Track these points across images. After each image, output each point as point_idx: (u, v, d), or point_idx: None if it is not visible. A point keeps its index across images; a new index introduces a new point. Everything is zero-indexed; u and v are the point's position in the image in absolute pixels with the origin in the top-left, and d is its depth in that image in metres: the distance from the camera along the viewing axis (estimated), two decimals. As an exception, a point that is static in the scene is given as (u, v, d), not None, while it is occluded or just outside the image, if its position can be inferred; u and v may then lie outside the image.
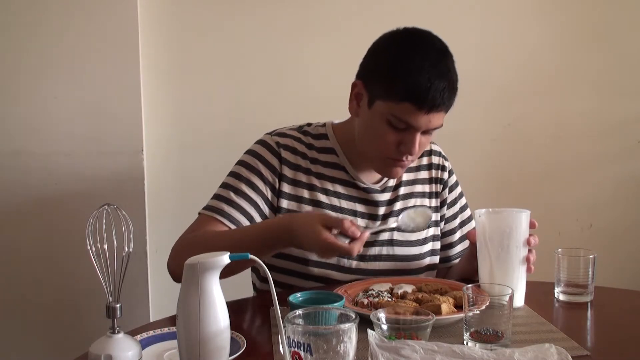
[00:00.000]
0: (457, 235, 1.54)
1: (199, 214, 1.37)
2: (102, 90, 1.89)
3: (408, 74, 1.24)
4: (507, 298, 1.00)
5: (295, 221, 1.21)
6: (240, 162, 1.41)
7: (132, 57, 1.89)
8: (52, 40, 1.87)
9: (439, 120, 1.29)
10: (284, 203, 1.38)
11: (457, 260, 1.54)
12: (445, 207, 1.52)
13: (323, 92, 2.04)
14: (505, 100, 2.23)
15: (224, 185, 1.38)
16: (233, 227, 1.33)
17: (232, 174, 1.40)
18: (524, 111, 2.24)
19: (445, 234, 1.54)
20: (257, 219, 1.36)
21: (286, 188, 1.39)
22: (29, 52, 1.86)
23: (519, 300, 1.22)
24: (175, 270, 1.30)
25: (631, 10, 2.25)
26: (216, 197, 1.37)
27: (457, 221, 1.54)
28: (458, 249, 1.54)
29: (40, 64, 1.87)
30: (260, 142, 1.43)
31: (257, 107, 2.06)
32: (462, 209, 1.55)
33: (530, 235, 1.23)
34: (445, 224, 1.53)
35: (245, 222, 1.34)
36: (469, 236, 1.40)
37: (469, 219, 1.55)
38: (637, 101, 2.30)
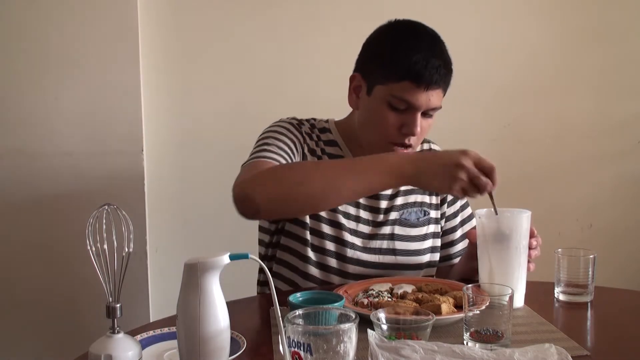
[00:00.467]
0: (458, 233, 1.55)
1: (244, 164, 1.30)
2: (102, 90, 1.89)
3: (405, 53, 1.28)
4: (507, 298, 1.00)
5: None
6: (271, 131, 1.39)
7: (132, 57, 1.89)
8: (52, 40, 1.87)
9: (437, 100, 1.31)
10: None
11: (458, 259, 1.54)
12: (446, 204, 1.53)
13: (324, 92, 2.04)
14: (505, 100, 2.23)
15: (264, 144, 1.34)
16: None
17: (267, 137, 1.36)
18: (523, 111, 2.24)
19: (446, 232, 1.54)
20: None
21: None
22: (29, 52, 1.86)
23: (519, 301, 1.22)
24: (264, 193, 1.17)
25: (631, 10, 2.26)
26: (260, 150, 1.32)
27: (458, 219, 1.55)
28: (459, 247, 1.54)
29: (40, 64, 1.87)
30: (283, 121, 1.43)
31: (258, 107, 2.06)
32: (463, 207, 1.56)
33: (535, 236, 1.26)
34: (446, 222, 1.54)
35: None
36: (469, 236, 1.41)
37: (470, 217, 1.56)
38: (637, 101, 2.30)
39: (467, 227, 1.54)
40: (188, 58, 2.04)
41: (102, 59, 1.88)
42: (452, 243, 1.54)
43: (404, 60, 1.27)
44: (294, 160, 1.35)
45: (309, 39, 2.09)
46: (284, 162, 1.30)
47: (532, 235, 1.25)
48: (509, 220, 1.20)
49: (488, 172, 1.12)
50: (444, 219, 1.53)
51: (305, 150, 1.40)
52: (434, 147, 1.55)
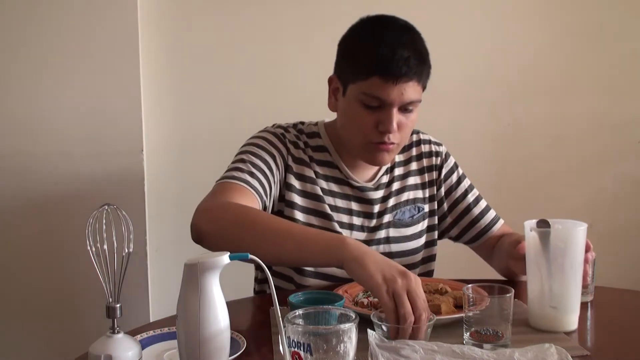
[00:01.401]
0: (476, 211, 1.50)
1: (217, 182, 1.29)
2: (102, 90, 1.89)
3: (371, 49, 1.25)
4: (507, 298, 1.00)
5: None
6: (250, 144, 1.38)
7: (132, 57, 1.89)
8: (52, 40, 1.86)
9: (413, 94, 1.27)
10: (296, 198, 1.37)
11: (489, 233, 1.49)
12: (442, 189, 1.51)
13: (324, 93, 2.04)
14: (505, 100, 2.23)
15: (239, 161, 1.33)
16: (258, 197, 1.27)
17: (245, 152, 1.35)
18: (524, 111, 2.24)
19: (461, 215, 1.50)
20: (274, 192, 1.34)
21: (294, 182, 1.38)
22: (29, 52, 1.86)
23: (573, 324, 1.10)
24: (209, 228, 1.17)
25: (631, 10, 2.25)
26: (234, 169, 1.31)
27: (470, 198, 1.51)
28: (485, 221, 1.50)
29: (40, 64, 1.87)
30: (266, 131, 1.42)
31: (257, 107, 2.06)
32: (470, 187, 1.53)
33: (590, 250, 1.18)
34: (456, 205, 1.51)
35: (263, 194, 1.30)
36: (519, 249, 1.24)
37: (480, 196, 1.53)
38: (637, 101, 2.30)
39: (482, 204, 1.51)
40: (188, 58, 2.04)
41: (102, 59, 1.88)
42: (474, 222, 1.50)
43: (370, 56, 1.25)
44: (269, 178, 1.32)
45: (310, 40, 2.09)
46: (256, 183, 1.28)
47: (587, 250, 1.16)
48: (563, 234, 1.08)
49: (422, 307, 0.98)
50: (444, 204, 1.51)
51: (290, 162, 1.38)
52: (423, 137, 1.53)
